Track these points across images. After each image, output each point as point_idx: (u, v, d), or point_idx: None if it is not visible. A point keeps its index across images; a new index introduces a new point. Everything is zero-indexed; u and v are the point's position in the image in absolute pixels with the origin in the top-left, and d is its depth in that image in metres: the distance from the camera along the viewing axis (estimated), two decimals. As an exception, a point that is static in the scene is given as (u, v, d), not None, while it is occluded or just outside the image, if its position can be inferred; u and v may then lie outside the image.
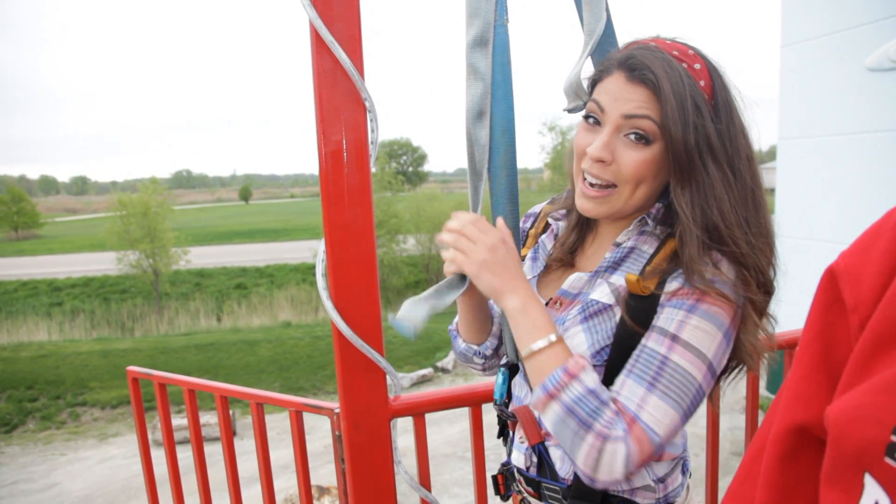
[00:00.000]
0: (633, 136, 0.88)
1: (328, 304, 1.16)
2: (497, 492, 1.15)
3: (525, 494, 1.06)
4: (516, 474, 1.08)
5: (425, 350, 10.01)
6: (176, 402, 6.38)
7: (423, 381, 8.47)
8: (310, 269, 20.27)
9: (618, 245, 0.97)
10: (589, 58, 1.07)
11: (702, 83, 0.87)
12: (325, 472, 5.22)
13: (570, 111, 1.04)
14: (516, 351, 1.03)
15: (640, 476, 0.96)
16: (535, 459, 1.02)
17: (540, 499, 1.02)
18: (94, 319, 16.42)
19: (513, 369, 1.08)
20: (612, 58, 0.93)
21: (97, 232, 28.06)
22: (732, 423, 5.00)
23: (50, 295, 20.01)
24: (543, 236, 1.12)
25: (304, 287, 18.69)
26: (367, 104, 1.12)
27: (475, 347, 1.15)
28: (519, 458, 1.05)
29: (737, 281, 0.85)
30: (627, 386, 0.85)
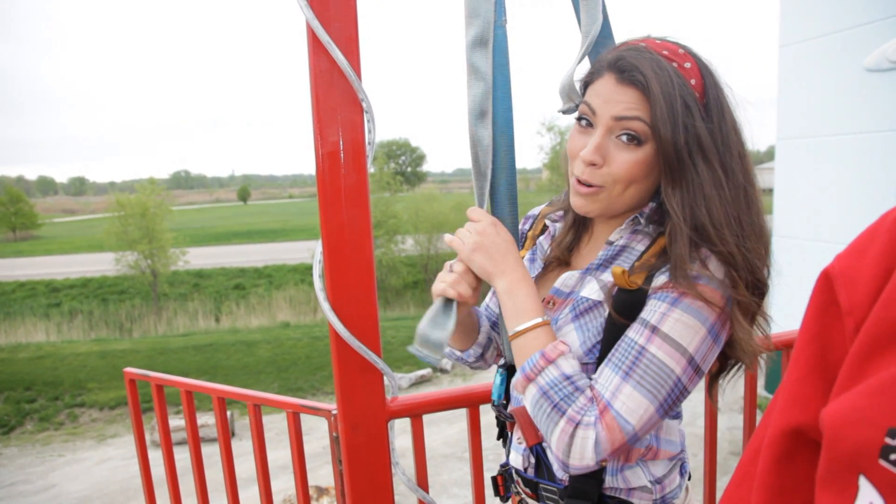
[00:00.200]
0: (624, 138, 0.89)
1: (325, 305, 1.16)
2: (497, 493, 1.15)
3: (523, 495, 1.06)
4: (514, 475, 1.08)
5: (424, 350, 9.96)
6: (174, 402, 6.37)
7: (421, 381, 8.47)
8: (308, 270, 20.28)
9: (610, 243, 0.98)
10: (587, 59, 1.07)
11: (692, 82, 0.87)
12: (324, 473, 5.22)
13: (564, 112, 1.04)
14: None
15: (637, 476, 0.96)
16: (532, 460, 1.02)
17: (537, 500, 1.03)
18: (93, 320, 16.41)
19: (511, 370, 1.08)
20: (602, 60, 0.93)
21: (95, 233, 28.00)
22: (731, 422, 5.01)
23: (48, 296, 19.99)
24: (541, 238, 1.13)
25: (303, 287, 18.69)
26: (364, 105, 1.12)
27: (458, 353, 1.18)
28: (517, 459, 1.05)
29: (725, 279, 0.85)
30: (605, 374, 0.86)
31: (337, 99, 1.10)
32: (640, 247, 0.95)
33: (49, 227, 50.22)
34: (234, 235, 36.94)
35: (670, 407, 0.85)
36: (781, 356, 1.77)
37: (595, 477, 0.94)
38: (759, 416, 1.69)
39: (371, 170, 1.16)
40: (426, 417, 1.47)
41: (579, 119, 0.95)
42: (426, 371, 8.59)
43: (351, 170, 1.13)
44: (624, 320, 0.89)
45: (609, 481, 0.95)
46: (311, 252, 1.46)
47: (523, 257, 1.13)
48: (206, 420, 6.14)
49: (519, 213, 1.07)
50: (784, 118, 5.58)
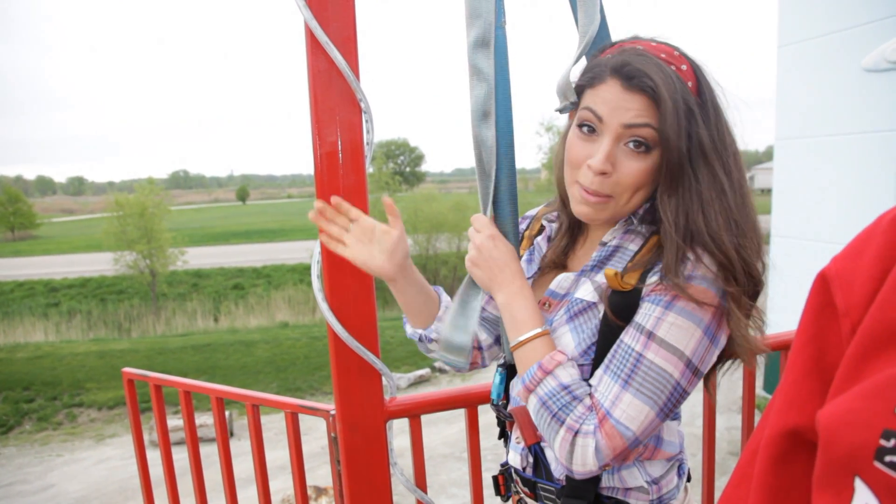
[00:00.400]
0: (632, 145, 0.88)
1: (324, 305, 1.16)
2: (497, 492, 1.15)
3: (522, 495, 1.06)
4: (513, 475, 1.08)
5: (423, 350, 9.97)
6: (173, 402, 6.37)
7: (420, 381, 8.46)
8: (307, 270, 20.26)
9: (604, 244, 0.98)
10: (584, 59, 1.07)
11: (689, 84, 0.87)
12: (323, 473, 5.21)
13: (560, 111, 1.04)
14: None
15: (633, 476, 0.96)
16: (531, 460, 1.02)
17: (536, 499, 1.03)
18: (91, 320, 16.39)
19: (510, 369, 1.08)
20: (602, 64, 0.90)
21: (94, 232, 27.98)
22: (729, 423, 5.01)
23: (46, 296, 19.97)
24: (539, 238, 1.13)
25: (302, 287, 18.68)
26: (362, 105, 1.12)
27: (420, 331, 1.16)
28: (516, 459, 1.06)
29: (718, 274, 0.85)
30: (604, 382, 0.87)
31: (335, 99, 1.10)
32: (633, 246, 0.95)
33: (48, 227, 50.18)
34: (233, 235, 36.94)
35: (670, 410, 0.86)
36: (780, 356, 1.77)
37: (591, 477, 0.94)
38: (757, 417, 1.69)
39: (370, 170, 1.16)
40: (425, 417, 1.47)
41: (581, 125, 0.93)
42: (425, 371, 8.58)
43: (349, 170, 1.13)
44: (619, 322, 0.89)
45: (605, 481, 0.96)
46: (309, 252, 1.45)
47: (521, 257, 1.13)
48: (205, 420, 6.14)
49: (519, 213, 1.07)
50: (783, 118, 5.59)
